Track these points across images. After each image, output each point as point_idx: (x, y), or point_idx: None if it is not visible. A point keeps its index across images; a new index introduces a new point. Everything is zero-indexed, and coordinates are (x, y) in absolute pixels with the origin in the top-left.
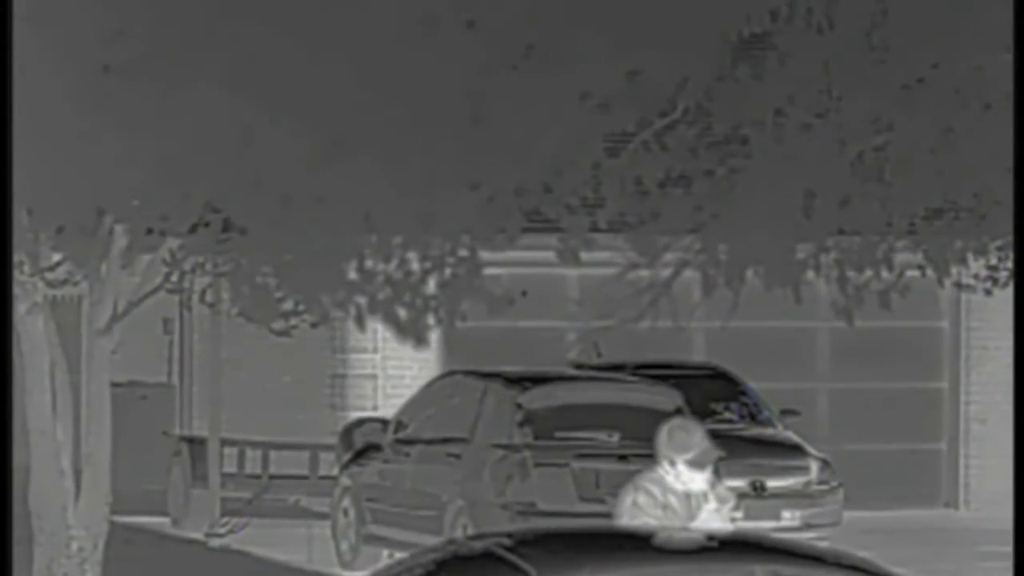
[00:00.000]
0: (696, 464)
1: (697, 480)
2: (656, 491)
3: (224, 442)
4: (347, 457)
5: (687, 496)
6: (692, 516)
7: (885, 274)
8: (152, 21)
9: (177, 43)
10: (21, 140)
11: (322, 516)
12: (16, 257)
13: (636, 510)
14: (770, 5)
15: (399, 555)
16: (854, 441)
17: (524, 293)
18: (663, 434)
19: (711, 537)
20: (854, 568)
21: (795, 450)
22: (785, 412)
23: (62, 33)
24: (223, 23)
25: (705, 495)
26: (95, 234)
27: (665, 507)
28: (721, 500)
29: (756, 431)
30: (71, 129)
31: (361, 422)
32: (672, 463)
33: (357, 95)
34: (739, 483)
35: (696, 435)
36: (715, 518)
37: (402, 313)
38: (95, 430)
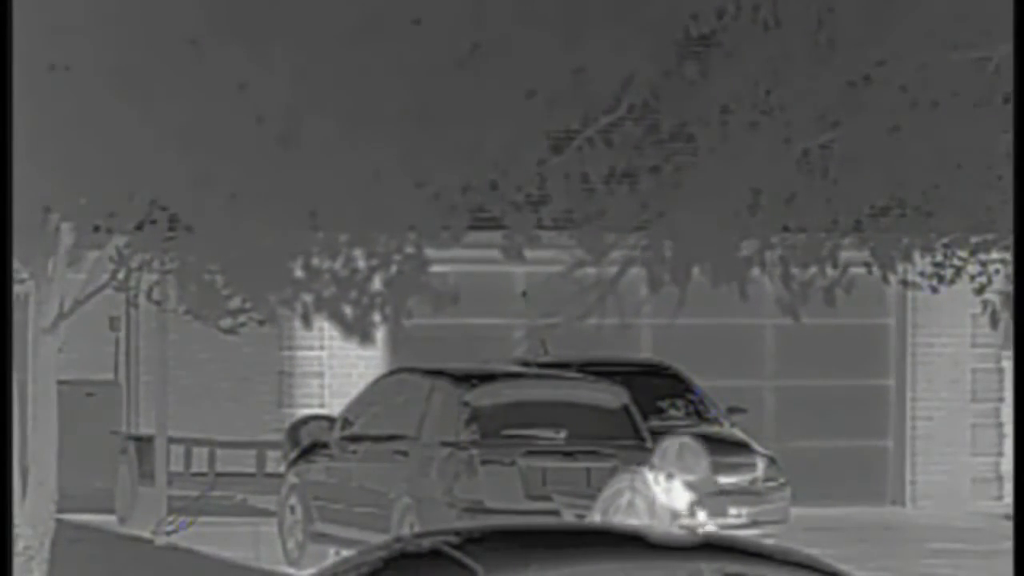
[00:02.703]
0: (691, 487)
1: (682, 499)
2: (649, 497)
3: (171, 440)
4: (294, 455)
5: (669, 511)
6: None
7: (830, 271)
8: (98, 19)
9: (123, 42)
10: None
11: (269, 514)
12: None
13: (631, 511)
14: (716, 3)
15: (346, 553)
16: (800, 438)
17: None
18: (673, 449)
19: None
20: (801, 565)
21: (742, 447)
22: (732, 409)
23: (9, 31)
24: (170, 22)
25: (680, 514)
26: (41, 232)
27: (652, 516)
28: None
29: (703, 428)
30: (16, 127)
31: (308, 420)
32: (670, 477)
33: (303, 92)
34: None
35: (703, 462)
36: None
37: (348, 311)
38: (41, 428)
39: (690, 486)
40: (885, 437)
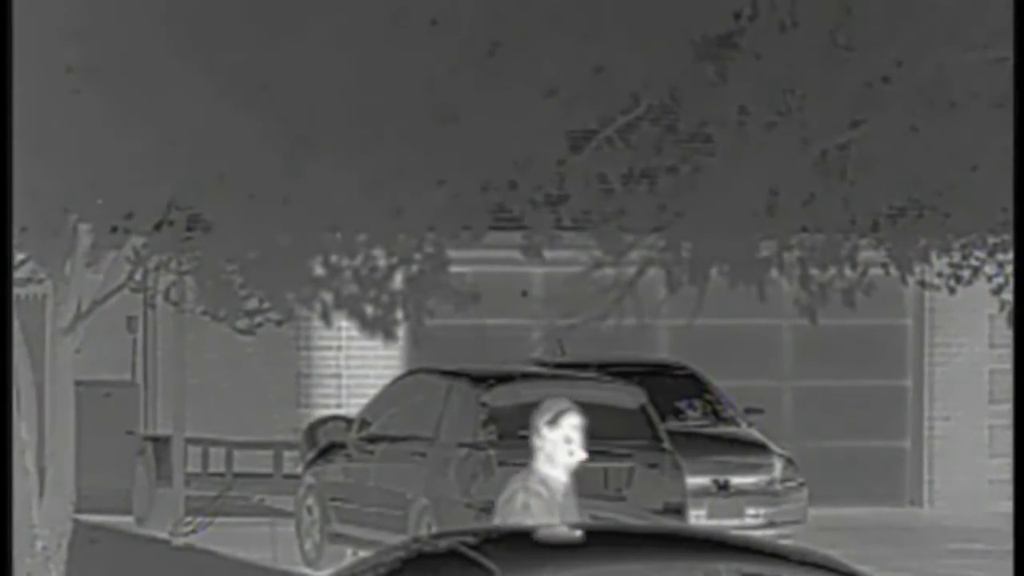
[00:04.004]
0: (552, 424)
1: (560, 447)
2: (544, 492)
3: (188, 441)
4: (311, 456)
5: (566, 493)
6: (571, 512)
7: (848, 272)
8: (116, 21)
9: (141, 43)
10: None
11: (286, 514)
12: None
13: (526, 514)
14: (734, 4)
15: (363, 553)
16: (818, 439)
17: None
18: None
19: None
20: (818, 566)
21: (759, 448)
22: (749, 410)
23: (25, 32)
24: (188, 23)
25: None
26: (59, 232)
27: (550, 507)
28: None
29: (720, 429)
30: (35, 128)
31: (325, 420)
32: (539, 431)
33: (323, 93)
34: (703, 480)
35: (562, 403)
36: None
37: (368, 309)
38: (59, 429)
39: (552, 424)
40: (903, 438)
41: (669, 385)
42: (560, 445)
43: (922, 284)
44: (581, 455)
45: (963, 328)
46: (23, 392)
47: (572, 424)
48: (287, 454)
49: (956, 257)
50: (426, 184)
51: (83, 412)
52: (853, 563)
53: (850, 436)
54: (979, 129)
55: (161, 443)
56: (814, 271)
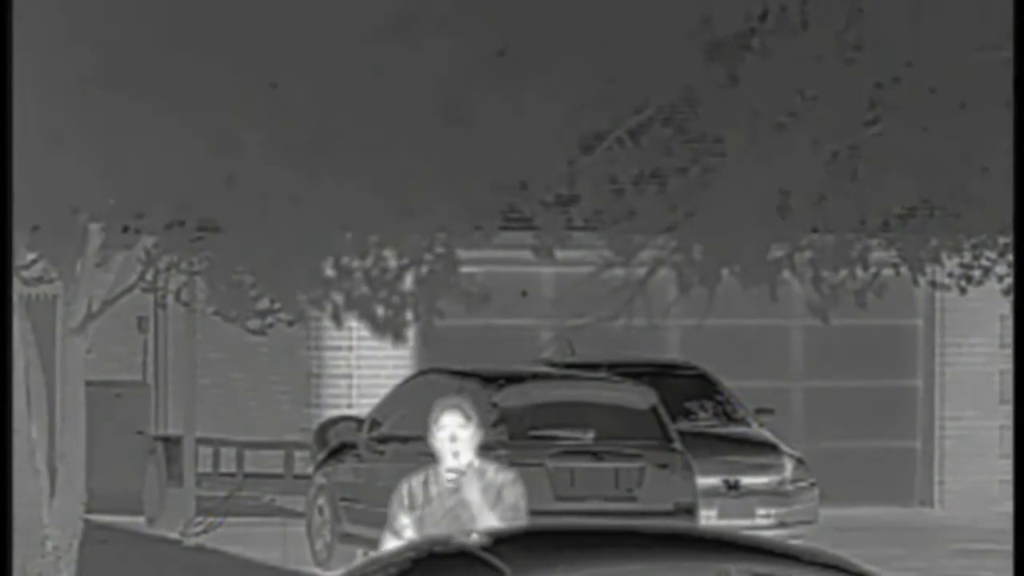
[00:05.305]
0: (436, 424)
1: (446, 446)
2: (406, 489)
3: (199, 441)
4: (322, 456)
5: (455, 489)
6: (461, 507)
7: (860, 273)
8: (127, 22)
9: (152, 44)
10: None
11: (297, 515)
12: None
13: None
14: (745, 5)
15: (374, 553)
16: (829, 439)
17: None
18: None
19: (493, 536)
20: (829, 566)
21: (770, 448)
22: (760, 410)
23: (36, 33)
24: (199, 25)
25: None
26: (70, 232)
27: (412, 505)
28: (489, 485)
29: (731, 429)
30: (46, 129)
31: (336, 421)
32: (430, 430)
33: (334, 94)
34: (714, 481)
35: (446, 401)
36: (486, 513)
37: (379, 310)
38: (70, 429)
39: (437, 423)
40: (913, 438)
41: (679, 385)
42: (446, 444)
43: (933, 284)
44: (459, 461)
45: (974, 328)
46: (34, 392)
47: (455, 423)
48: (298, 454)
49: (967, 257)
50: (437, 185)
51: (94, 412)
52: (863, 563)
53: (861, 436)
54: (989, 129)
55: (172, 443)
56: (825, 272)
